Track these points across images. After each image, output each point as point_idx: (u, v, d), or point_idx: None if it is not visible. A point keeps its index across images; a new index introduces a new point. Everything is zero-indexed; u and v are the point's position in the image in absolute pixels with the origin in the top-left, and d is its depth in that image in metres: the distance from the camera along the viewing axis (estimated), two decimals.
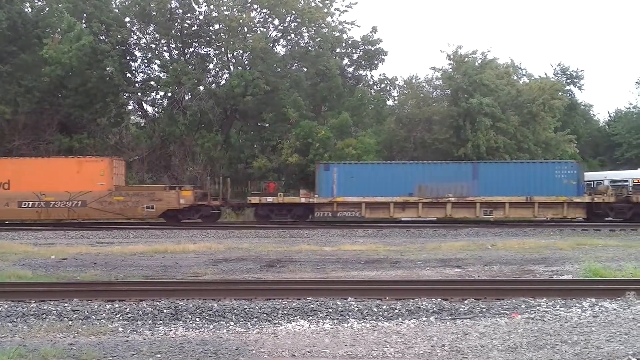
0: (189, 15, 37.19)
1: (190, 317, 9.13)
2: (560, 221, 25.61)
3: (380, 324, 8.68)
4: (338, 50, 39.08)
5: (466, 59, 36.50)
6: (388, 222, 26.00)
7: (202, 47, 38.61)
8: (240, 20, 35.50)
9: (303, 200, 26.50)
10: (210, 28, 37.38)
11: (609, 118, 53.93)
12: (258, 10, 37.80)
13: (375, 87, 40.94)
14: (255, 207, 27.32)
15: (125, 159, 36.17)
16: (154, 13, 36.15)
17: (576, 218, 26.53)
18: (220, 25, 36.43)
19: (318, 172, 26.93)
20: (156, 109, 40.02)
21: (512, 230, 23.39)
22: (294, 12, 36.70)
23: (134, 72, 38.58)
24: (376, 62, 39.41)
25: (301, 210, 26.97)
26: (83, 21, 35.19)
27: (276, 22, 38.33)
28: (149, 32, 38.05)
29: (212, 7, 36.92)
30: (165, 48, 38.59)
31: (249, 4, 37.17)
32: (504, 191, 25.86)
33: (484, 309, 9.40)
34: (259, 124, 39.21)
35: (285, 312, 9.30)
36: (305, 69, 37.72)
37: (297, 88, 36.44)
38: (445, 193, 26.01)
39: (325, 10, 37.64)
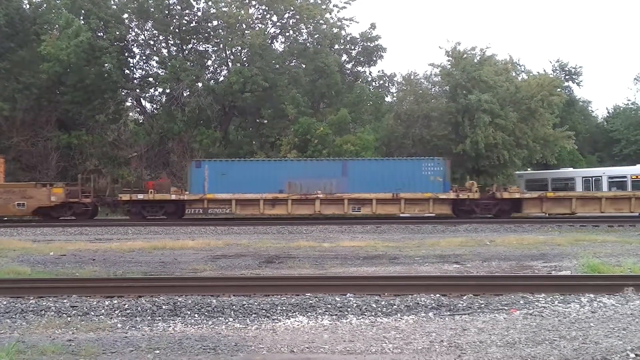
0: (187, 11, 37.21)
1: (189, 313, 9.12)
2: (554, 218, 25.62)
3: (379, 319, 8.68)
4: (337, 46, 39.10)
5: (465, 56, 36.50)
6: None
7: (201, 43, 38.63)
8: (239, 17, 35.48)
9: (174, 197, 26.59)
10: (209, 24, 37.36)
11: (608, 114, 54.06)
12: (256, 7, 37.81)
13: (373, 83, 41.01)
14: (128, 204, 27.35)
15: (124, 155, 36.24)
16: (152, 9, 36.12)
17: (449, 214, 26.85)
18: (219, 22, 36.43)
19: (190, 170, 27.13)
20: (154, 106, 40.08)
21: (510, 226, 23.41)
22: (292, 8, 36.70)
23: (132, 68, 38.64)
24: (375, 58, 39.46)
25: (173, 207, 27.05)
26: (81, 17, 35.14)
27: (274, 18, 38.36)
28: (147, 28, 38.06)
29: (210, 3, 36.93)
30: (163, 44, 38.61)
31: (247, 1, 37.14)
32: (372, 188, 26.16)
33: (483, 305, 9.40)
34: (258, 121, 39.21)
35: (284, 308, 9.29)
36: (304, 66, 37.71)
37: (296, 84, 36.43)
38: (315, 190, 26.26)
39: (324, 7, 37.65)
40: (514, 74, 39.91)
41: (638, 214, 26.12)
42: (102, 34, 35.56)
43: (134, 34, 38.24)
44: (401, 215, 26.92)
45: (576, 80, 50.99)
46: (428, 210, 26.20)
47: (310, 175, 26.54)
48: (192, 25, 37.52)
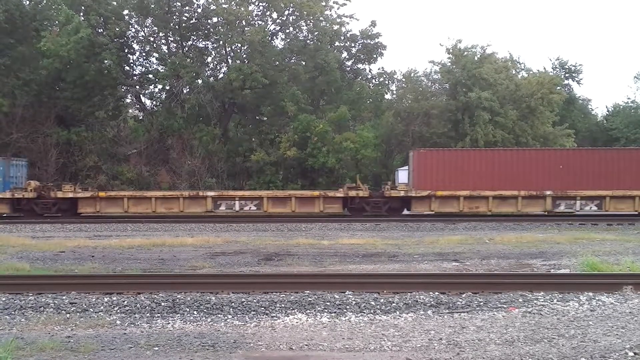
0: (187, 8, 37.15)
1: (188, 310, 9.13)
2: (553, 216, 25.62)
3: (377, 317, 8.70)
4: (337, 43, 39.08)
5: (465, 53, 36.46)
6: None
7: (201, 40, 38.55)
8: (239, 14, 35.42)
9: None
10: (209, 21, 37.32)
11: (607, 112, 53.82)
12: (256, 4, 37.76)
13: (373, 81, 40.94)
14: None
15: (124, 152, 36.22)
16: (152, 6, 36.09)
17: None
18: (219, 19, 36.37)
19: None
20: (154, 102, 39.96)
21: (509, 224, 23.38)
22: (292, 5, 36.64)
23: (132, 65, 38.54)
24: (375, 55, 39.40)
25: None
26: (81, 14, 35.10)
27: (274, 15, 38.33)
28: (147, 25, 38.00)
29: (210, 0, 36.83)
30: (163, 41, 38.55)
31: None
32: None
33: (482, 303, 9.42)
34: (257, 118, 39.19)
35: (283, 305, 9.30)
36: (304, 63, 37.68)
37: (296, 82, 36.42)
38: None
39: (324, 4, 37.60)
40: (514, 72, 39.89)
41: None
42: (102, 30, 35.48)
43: (133, 30, 38.18)
44: None
45: (576, 79, 50.86)
46: None
47: None
48: (192, 22, 37.47)
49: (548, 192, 25.32)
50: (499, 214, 25.65)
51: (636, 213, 25.39)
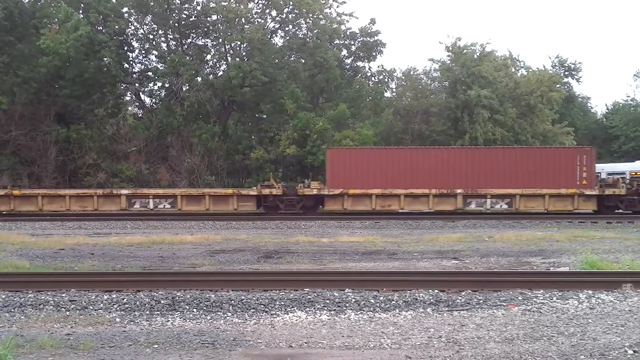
0: (186, 5, 37.13)
1: (187, 307, 9.13)
2: (558, 213, 25.62)
3: (377, 315, 8.70)
4: (336, 41, 39.02)
5: (465, 51, 36.48)
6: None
7: (200, 38, 38.54)
8: (238, 11, 35.38)
9: None
10: (208, 19, 37.27)
11: (607, 110, 53.94)
12: (256, 1, 37.76)
13: (373, 78, 40.89)
14: None
15: (123, 149, 36.18)
16: (152, 3, 36.05)
17: None
18: (218, 16, 36.32)
19: None
20: (154, 100, 39.95)
21: (509, 222, 23.41)
22: (291, 3, 36.63)
23: (131, 62, 38.49)
24: (374, 53, 39.37)
25: None
26: (80, 11, 35.04)
27: (274, 13, 38.33)
28: (147, 22, 37.96)
29: None
30: (162, 39, 38.51)
31: None
32: None
33: (481, 301, 9.42)
34: (257, 115, 39.17)
35: (282, 303, 9.30)
36: (303, 61, 37.66)
37: (295, 79, 36.39)
38: None
39: (323, 2, 37.55)
40: (513, 70, 39.93)
41: None
42: (101, 28, 35.43)
43: (133, 28, 38.13)
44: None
45: (575, 76, 51.01)
46: None
47: None
48: (191, 19, 37.43)
49: (459, 191, 25.50)
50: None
51: (545, 211, 25.51)
